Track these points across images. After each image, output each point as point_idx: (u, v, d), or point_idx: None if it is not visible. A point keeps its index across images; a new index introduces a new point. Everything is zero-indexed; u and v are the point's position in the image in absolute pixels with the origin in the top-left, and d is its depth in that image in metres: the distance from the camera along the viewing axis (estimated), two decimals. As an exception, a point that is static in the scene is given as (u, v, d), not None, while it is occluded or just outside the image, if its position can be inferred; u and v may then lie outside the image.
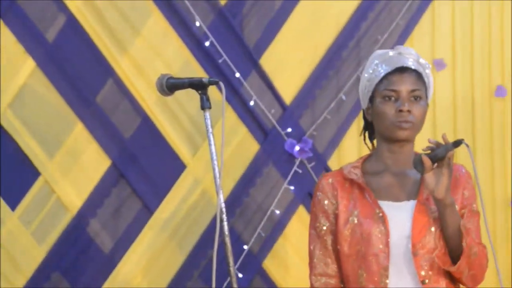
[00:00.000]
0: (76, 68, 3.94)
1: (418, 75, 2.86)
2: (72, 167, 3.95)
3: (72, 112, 3.94)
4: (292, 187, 4.05)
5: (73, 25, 3.94)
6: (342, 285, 2.88)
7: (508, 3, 4.22)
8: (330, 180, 2.92)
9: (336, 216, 2.87)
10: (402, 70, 2.86)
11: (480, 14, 4.23)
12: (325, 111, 4.09)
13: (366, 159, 2.95)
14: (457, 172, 2.83)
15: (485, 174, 4.18)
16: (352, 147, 4.07)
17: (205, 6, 4.00)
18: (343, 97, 4.09)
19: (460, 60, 4.20)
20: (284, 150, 4.05)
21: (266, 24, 4.09)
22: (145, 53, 3.96)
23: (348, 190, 2.88)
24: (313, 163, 4.04)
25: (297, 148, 4.04)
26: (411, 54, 2.90)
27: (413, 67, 2.86)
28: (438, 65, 4.19)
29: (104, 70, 3.95)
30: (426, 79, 2.88)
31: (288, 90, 4.09)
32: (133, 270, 3.93)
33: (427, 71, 2.90)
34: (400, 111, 2.81)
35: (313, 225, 2.92)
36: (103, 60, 3.94)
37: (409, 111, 2.81)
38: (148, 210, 3.97)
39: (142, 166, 3.97)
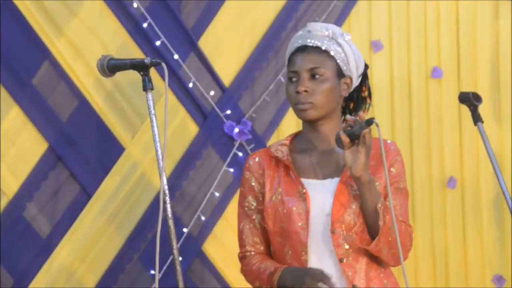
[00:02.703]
0: (12, 50, 3.89)
1: (321, 52, 2.85)
2: (8, 151, 3.90)
3: (8, 95, 3.89)
4: (231, 169, 4.06)
5: (8, 6, 3.88)
6: (270, 258, 2.89)
7: None
8: (257, 159, 2.93)
9: (263, 195, 2.88)
10: (302, 49, 2.86)
11: None
12: (264, 93, 4.10)
13: (294, 137, 2.95)
14: (385, 148, 2.81)
15: (421, 154, 4.24)
16: (291, 129, 4.07)
17: (143, -13, 3.97)
18: (282, 79, 4.10)
19: (396, 42, 4.24)
20: (223, 132, 4.06)
21: (204, 5, 4.10)
22: (82, 35, 3.92)
23: (274, 168, 2.89)
24: (252, 145, 4.05)
25: (236, 130, 4.05)
26: (317, 30, 2.89)
27: (314, 44, 2.85)
28: (376, 46, 4.24)
29: (40, 52, 3.90)
30: (335, 52, 2.85)
31: (227, 72, 4.10)
32: (71, 255, 3.90)
33: (340, 40, 2.88)
34: (297, 92, 2.82)
35: (242, 204, 2.93)
36: (39, 41, 3.89)
37: (306, 91, 2.81)
38: (86, 193, 3.94)
39: (80, 149, 3.93)
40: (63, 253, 3.90)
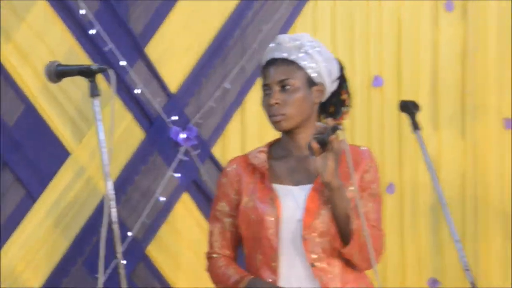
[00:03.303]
0: (-43, 55, 3.84)
1: (289, 63, 2.86)
2: (-47, 155, 3.85)
3: (-46, 99, 3.84)
4: (177, 175, 4.06)
5: (-46, 10, 3.84)
6: (235, 264, 2.92)
7: None
8: (234, 166, 2.96)
9: (238, 201, 2.90)
10: (272, 62, 2.89)
11: (360, 6, 4.28)
12: (210, 99, 4.10)
13: (273, 144, 2.98)
14: (358, 155, 2.86)
15: None
16: (236, 135, 4.12)
17: (90, -6, 3.95)
18: (228, 86, 4.11)
19: (341, 51, 4.22)
20: (169, 138, 4.05)
21: (151, 13, 4.08)
22: (29, 40, 3.89)
23: (251, 174, 2.91)
24: (198, 151, 4.06)
25: (182, 135, 4.05)
26: (286, 41, 2.91)
27: (282, 57, 2.87)
28: None
29: (-13, 56, 3.86)
30: (303, 62, 2.86)
31: (174, 78, 4.09)
32: (16, 258, 3.87)
33: (308, 49, 2.89)
34: (269, 104, 2.84)
35: (215, 207, 2.96)
36: (-14, 46, 3.85)
37: (277, 103, 2.83)
38: (32, 197, 3.91)
39: (25, 153, 3.90)
40: (8, 256, 3.87)
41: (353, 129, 4.24)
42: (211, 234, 2.95)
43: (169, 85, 4.07)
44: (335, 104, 2.96)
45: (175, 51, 4.10)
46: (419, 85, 4.31)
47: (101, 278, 2.65)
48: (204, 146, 4.09)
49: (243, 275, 2.84)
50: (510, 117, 4.36)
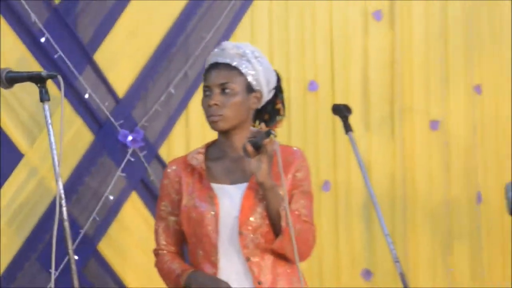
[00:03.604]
0: None
1: (231, 68, 2.87)
2: None
3: None
4: (125, 175, 4.03)
5: None
6: (179, 259, 2.94)
7: (312, 3, 4.28)
8: (174, 167, 2.96)
9: (179, 200, 2.90)
10: (215, 66, 2.89)
11: (295, 17, 4.27)
12: (156, 103, 4.08)
13: (210, 145, 2.98)
14: (291, 155, 2.88)
15: None
16: (181, 137, 4.10)
17: (40, 3, 3.89)
18: (172, 91, 4.09)
19: (277, 57, 4.22)
20: (118, 140, 4.01)
21: (99, 21, 4.03)
22: (-18, 48, 3.81)
23: (190, 175, 2.91)
24: (144, 152, 4.03)
25: (129, 138, 4.01)
26: (229, 48, 2.91)
27: (225, 62, 2.88)
28: None
29: None
30: (245, 69, 2.87)
31: (121, 83, 4.05)
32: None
33: (250, 57, 2.90)
34: (209, 105, 2.85)
35: (158, 207, 2.97)
36: None
37: (216, 104, 2.84)
38: (-14, 197, 3.83)
39: (-20, 155, 3.84)
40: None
41: (290, 130, 4.24)
42: (156, 232, 2.95)
43: (116, 90, 4.02)
44: (270, 113, 2.97)
45: (122, 58, 4.05)
46: (351, 89, 4.33)
47: (53, 273, 2.63)
48: (150, 148, 4.06)
49: (185, 268, 2.85)
50: (436, 119, 4.41)
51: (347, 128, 3.30)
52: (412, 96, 4.39)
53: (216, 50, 2.95)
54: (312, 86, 4.27)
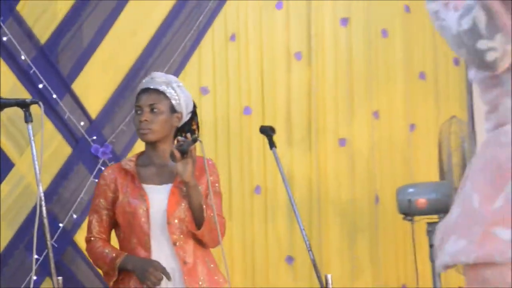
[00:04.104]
0: None
1: (159, 93, 2.88)
2: None
3: None
4: (96, 180, 3.88)
5: None
6: (111, 245, 2.89)
7: (246, 45, 4.22)
8: (110, 171, 2.95)
9: (114, 198, 2.89)
10: (146, 90, 2.91)
11: (233, 53, 4.23)
12: (122, 123, 4.07)
13: (140, 155, 2.99)
14: (203, 163, 2.86)
15: (237, 169, 4.20)
16: (142, 150, 4.00)
17: (28, 44, 3.88)
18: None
19: (219, 87, 4.20)
20: (91, 153, 4.00)
21: (77, 57, 4.02)
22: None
23: (124, 177, 2.90)
24: (112, 162, 4.01)
25: (100, 151, 4.01)
26: (157, 77, 2.94)
27: (154, 87, 2.89)
28: (204, 91, 4.21)
29: None
30: (170, 94, 2.88)
31: (94, 107, 4.04)
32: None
33: (174, 86, 2.90)
34: (140, 121, 2.87)
35: (94, 202, 2.95)
36: None
37: (146, 120, 2.84)
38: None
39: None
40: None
41: (229, 145, 4.21)
42: (90, 222, 2.91)
43: (90, 113, 4.02)
44: (187, 131, 2.98)
45: (95, 86, 4.04)
46: (277, 114, 4.32)
47: (34, 259, 2.66)
48: (117, 159, 4.03)
49: (119, 252, 2.83)
50: (344, 137, 4.39)
51: (271, 145, 3.29)
52: (324, 119, 4.38)
53: (147, 78, 2.97)
54: (247, 111, 4.28)
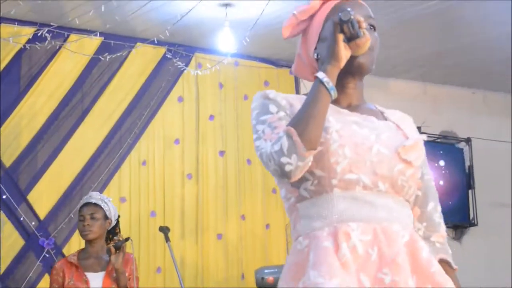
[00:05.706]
0: None
1: (96, 205, 3.11)
2: None
3: None
4: (42, 264, 4.16)
5: None
6: None
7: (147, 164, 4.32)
8: (60, 263, 3.17)
9: (63, 283, 3.10)
10: (86, 204, 3.14)
11: (144, 171, 4.30)
12: (62, 222, 4.21)
13: (80, 251, 3.23)
14: (128, 256, 3.13)
15: (144, 253, 4.28)
16: (76, 242, 4.18)
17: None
18: (72, 215, 4.23)
19: (134, 197, 4.27)
20: (39, 244, 4.15)
21: (33, 174, 4.20)
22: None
23: (70, 268, 3.12)
24: (54, 251, 4.20)
25: (45, 243, 4.14)
26: (94, 195, 3.16)
27: (92, 201, 3.11)
28: (122, 200, 4.31)
29: None
30: (104, 206, 3.08)
31: (42, 211, 4.19)
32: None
33: (106, 201, 3.11)
34: (83, 226, 3.08)
35: (51, 286, 3.17)
36: None
37: (88, 224, 3.06)
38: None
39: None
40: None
41: (140, 238, 4.26)
42: None
43: (39, 215, 4.18)
44: (113, 233, 3.25)
45: (43, 197, 4.19)
46: (174, 216, 4.40)
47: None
48: (58, 249, 4.22)
49: None
50: (220, 233, 4.39)
51: (167, 239, 3.48)
52: (208, 220, 4.50)
53: (86, 196, 3.24)
54: (153, 214, 4.43)
